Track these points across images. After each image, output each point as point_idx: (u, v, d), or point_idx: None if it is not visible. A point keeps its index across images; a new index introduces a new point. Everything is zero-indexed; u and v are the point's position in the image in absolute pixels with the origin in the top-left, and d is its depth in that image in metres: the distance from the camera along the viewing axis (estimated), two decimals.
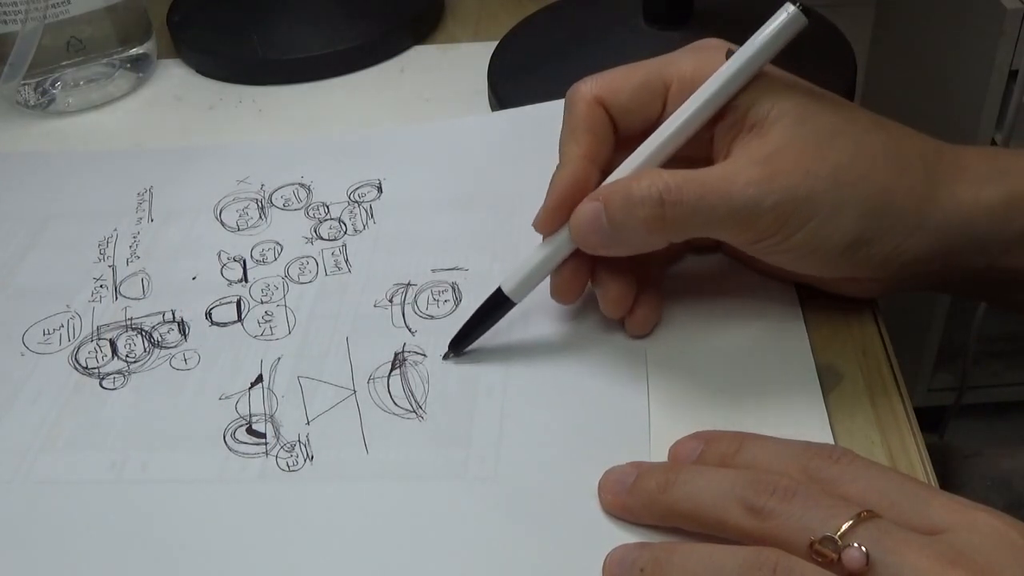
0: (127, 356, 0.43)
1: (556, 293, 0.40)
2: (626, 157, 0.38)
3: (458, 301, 0.43)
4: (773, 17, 0.36)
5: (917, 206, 0.36)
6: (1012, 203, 0.36)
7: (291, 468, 0.37)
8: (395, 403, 0.39)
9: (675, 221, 0.36)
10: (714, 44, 0.38)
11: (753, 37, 0.36)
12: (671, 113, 0.37)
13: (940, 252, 0.36)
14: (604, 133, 0.39)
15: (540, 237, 0.39)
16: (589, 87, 0.39)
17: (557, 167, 0.39)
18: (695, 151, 0.38)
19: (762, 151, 0.36)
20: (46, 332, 0.44)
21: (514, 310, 0.42)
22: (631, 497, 0.34)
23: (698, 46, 0.39)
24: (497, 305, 0.40)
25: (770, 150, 0.35)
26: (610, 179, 0.38)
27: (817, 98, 0.37)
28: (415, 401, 0.39)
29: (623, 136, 0.39)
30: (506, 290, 0.39)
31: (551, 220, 0.38)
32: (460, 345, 0.41)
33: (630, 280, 0.40)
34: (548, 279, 0.40)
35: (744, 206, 0.35)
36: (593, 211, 0.37)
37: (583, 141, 0.38)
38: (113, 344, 0.43)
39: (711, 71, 0.37)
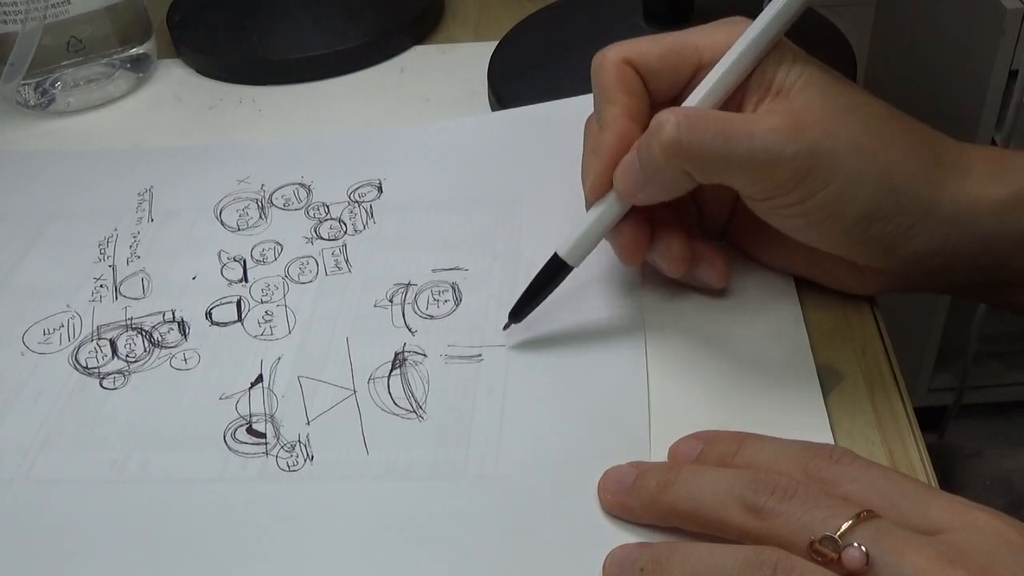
0: (127, 356, 0.43)
1: (622, 255, 0.40)
2: None
3: (458, 301, 0.43)
4: None
5: (929, 189, 0.36)
6: (1018, 202, 0.36)
7: (291, 468, 0.37)
8: (395, 403, 0.39)
9: (691, 150, 0.35)
10: (738, 20, 0.38)
11: None
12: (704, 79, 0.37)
13: (946, 245, 0.37)
14: (638, 90, 0.38)
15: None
16: (615, 51, 0.39)
17: (600, 132, 0.38)
18: None
19: (787, 108, 0.36)
20: (46, 332, 0.44)
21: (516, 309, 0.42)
22: (631, 497, 0.34)
23: (723, 21, 0.39)
24: (554, 271, 0.40)
25: (796, 108, 0.36)
26: None
27: (836, 76, 0.37)
28: (415, 401, 0.39)
29: (653, 101, 0.39)
30: (561, 254, 0.39)
31: (603, 182, 0.38)
32: (520, 314, 0.40)
33: (687, 238, 0.40)
34: (611, 246, 0.40)
35: (765, 150, 0.35)
36: (630, 157, 0.37)
37: (619, 100, 0.38)
38: (113, 344, 0.44)
39: None
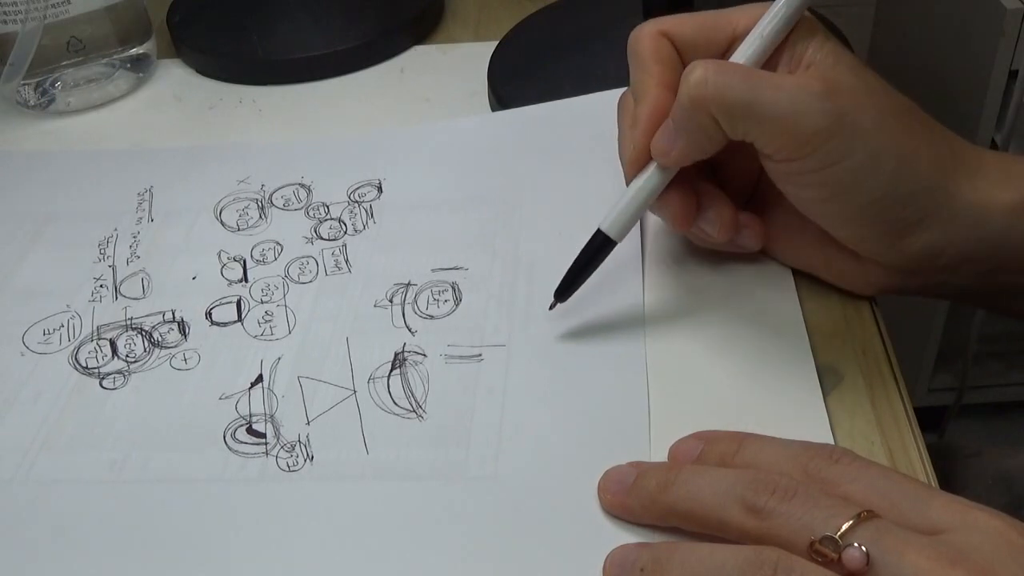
0: (127, 356, 0.43)
1: (673, 223, 0.40)
2: None
3: (458, 301, 0.43)
4: None
5: (944, 183, 0.36)
6: None
7: (291, 468, 0.37)
8: (395, 403, 0.39)
9: (718, 93, 0.35)
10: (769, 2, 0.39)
11: None
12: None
13: (952, 244, 0.37)
14: (673, 61, 0.39)
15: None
16: (651, 25, 0.39)
17: (637, 103, 0.39)
18: None
19: (818, 74, 0.36)
20: (46, 332, 0.44)
21: (514, 310, 0.42)
22: (631, 497, 0.34)
23: (752, 3, 0.39)
24: (598, 247, 0.40)
25: (826, 77, 0.36)
26: None
27: (862, 62, 0.38)
28: (415, 401, 0.39)
29: None
30: (604, 228, 0.39)
31: (641, 153, 0.39)
32: (566, 293, 0.40)
33: (733, 205, 0.40)
34: (660, 218, 0.41)
35: (792, 101, 0.35)
36: (666, 123, 0.38)
37: (654, 71, 0.38)
38: (113, 344, 0.44)
39: None
